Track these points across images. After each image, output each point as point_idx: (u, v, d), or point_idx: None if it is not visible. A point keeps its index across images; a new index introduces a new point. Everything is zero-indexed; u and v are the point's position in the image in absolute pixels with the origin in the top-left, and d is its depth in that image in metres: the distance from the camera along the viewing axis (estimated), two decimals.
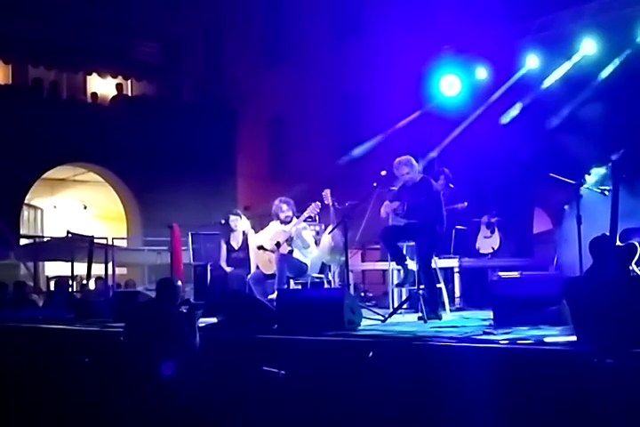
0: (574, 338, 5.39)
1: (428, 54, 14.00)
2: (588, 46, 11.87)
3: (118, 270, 17.38)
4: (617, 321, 5.05)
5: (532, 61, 12.58)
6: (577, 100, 11.98)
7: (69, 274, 16.55)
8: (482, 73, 13.22)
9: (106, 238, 16.72)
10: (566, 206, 10.00)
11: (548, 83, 12.50)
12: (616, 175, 7.28)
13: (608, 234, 7.11)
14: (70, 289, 16.21)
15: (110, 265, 15.31)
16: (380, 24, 19.08)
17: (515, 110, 12.72)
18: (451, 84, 13.48)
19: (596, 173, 10.08)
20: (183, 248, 12.96)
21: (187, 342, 7.28)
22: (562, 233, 10.79)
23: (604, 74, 11.83)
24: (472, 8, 14.74)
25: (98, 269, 15.64)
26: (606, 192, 8.54)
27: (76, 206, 25.24)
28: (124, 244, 20.11)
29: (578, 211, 8.86)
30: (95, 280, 16.37)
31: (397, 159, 9.03)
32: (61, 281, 17.02)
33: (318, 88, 21.40)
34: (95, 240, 15.77)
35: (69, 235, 17.83)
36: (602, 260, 7.19)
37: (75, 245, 16.40)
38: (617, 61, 11.75)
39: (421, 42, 15.73)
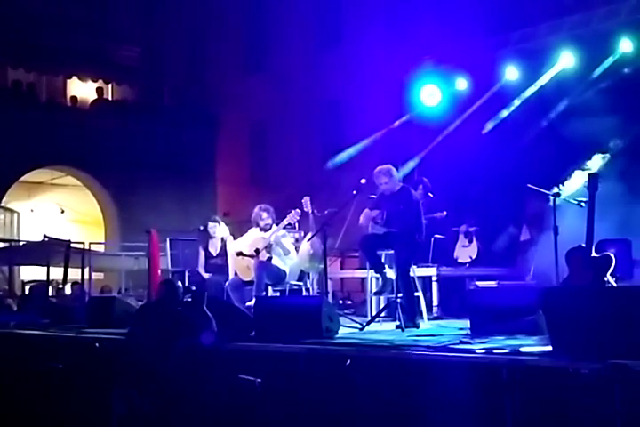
0: (550, 348, 5.43)
1: (409, 64, 14.09)
2: (567, 59, 11.99)
3: (95, 275, 17.30)
4: (592, 331, 5.10)
5: (511, 73, 12.69)
6: (555, 111, 12.10)
7: (45, 279, 16.44)
8: (462, 84, 13.31)
9: (83, 243, 16.61)
10: (540, 216, 10.10)
11: (526, 94, 12.60)
12: (592, 187, 7.35)
13: (584, 245, 7.19)
14: (46, 294, 16.10)
15: (87, 270, 15.23)
16: (362, 33, 19.14)
17: (494, 121, 12.81)
18: (431, 94, 13.57)
19: (573, 183, 10.18)
20: (161, 254, 12.91)
21: (202, 325, 7.32)
22: (538, 243, 10.89)
23: (583, 86, 11.95)
24: (452, 19, 14.84)
25: (74, 273, 15.55)
26: (582, 204, 8.59)
27: (54, 210, 25.11)
28: (101, 249, 19.99)
29: (554, 221, 8.94)
30: (71, 285, 16.26)
31: (377, 168, 9.06)
32: (37, 286, 16.91)
33: (300, 95, 21.43)
34: (72, 245, 15.67)
35: (46, 239, 17.70)
36: (578, 270, 7.25)
37: (51, 250, 16.28)
38: (595, 74, 11.88)
39: (402, 52, 15.80)
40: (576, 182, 9.62)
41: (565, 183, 9.76)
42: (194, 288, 8.07)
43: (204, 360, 7.08)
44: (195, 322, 7.36)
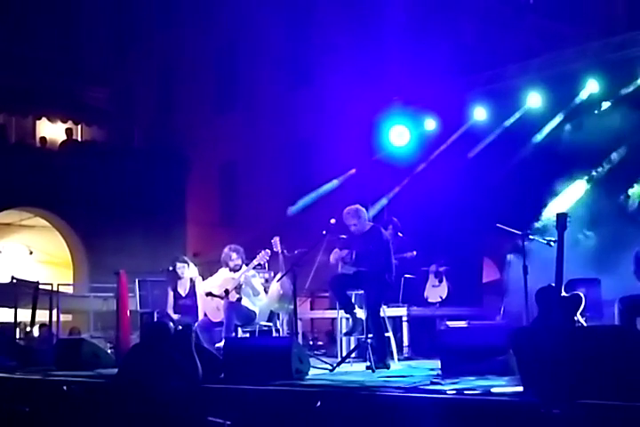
0: (521, 388, 5.41)
1: (378, 105, 14.20)
2: (534, 100, 12.12)
3: (63, 317, 17.08)
4: (563, 371, 5.09)
5: (479, 113, 12.81)
6: (522, 151, 12.22)
7: (12, 320, 16.23)
8: (430, 124, 13.41)
9: (51, 284, 16.40)
10: (510, 256, 10.14)
11: (494, 134, 12.72)
12: (560, 226, 7.38)
13: (554, 284, 7.20)
14: (13, 336, 15.89)
15: (55, 312, 15.05)
16: (331, 74, 19.28)
17: (462, 161, 12.92)
18: (400, 135, 13.65)
19: (541, 223, 10.26)
20: (130, 295, 12.80)
21: (189, 366, 7.25)
22: (508, 283, 10.92)
23: (549, 127, 12.11)
24: (421, 60, 15.01)
25: (42, 315, 15.37)
26: (552, 243, 8.63)
27: (22, 251, 24.87)
28: (69, 290, 19.76)
29: (524, 261, 8.98)
30: (39, 327, 16.08)
31: (346, 209, 9.07)
32: (4, 328, 16.68)
33: (269, 136, 21.52)
34: (40, 286, 15.50)
35: (14, 280, 17.51)
36: (547, 310, 7.26)
37: (19, 291, 16.04)
38: (561, 115, 12.03)
39: (371, 92, 15.94)
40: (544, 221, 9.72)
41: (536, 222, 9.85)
42: (180, 328, 8.02)
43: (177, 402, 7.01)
44: (182, 364, 7.28)
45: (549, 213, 10.91)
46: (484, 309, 11.95)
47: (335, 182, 15.42)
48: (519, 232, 9.65)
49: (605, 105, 11.53)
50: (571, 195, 11.64)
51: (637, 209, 11.03)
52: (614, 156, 11.40)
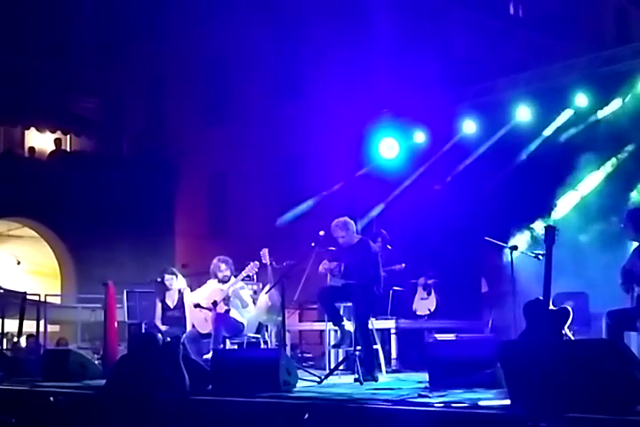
0: (508, 401, 5.42)
1: (368, 117, 14.21)
2: (523, 113, 12.17)
3: (51, 328, 17.04)
4: (550, 385, 5.10)
5: (468, 126, 12.83)
6: (511, 164, 12.26)
7: None
8: (420, 137, 13.43)
9: (39, 295, 16.38)
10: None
11: (484, 147, 12.75)
12: (549, 240, 7.41)
13: (541, 298, 7.22)
14: (0, 347, 15.83)
15: (42, 322, 15.01)
16: (321, 86, 19.34)
17: (451, 174, 12.95)
18: (389, 147, 13.66)
19: (528, 236, 10.29)
20: (118, 306, 12.77)
21: (177, 378, 7.23)
22: (496, 296, 10.94)
23: (538, 141, 12.16)
24: (411, 73, 15.06)
25: (29, 326, 15.32)
26: (540, 257, 8.65)
27: (10, 261, 24.77)
28: (57, 301, 19.73)
29: (512, 274, 9.00)
30: (26, 338, 16.01)
31: (334, 222, 9.08)
32: None
33: (258, 147, 21.55)
34: (27, 296, 15.45)
35: (1, 290, 17.46)
36: (535, 323, 7.27)
37: (6, 302, 16.01)
38: (550, 128, 12.08)
39: (361, 105, 15.98)
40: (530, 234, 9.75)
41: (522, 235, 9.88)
42: (169, 339, 8.01)
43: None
44: (170, 376, 7.27)
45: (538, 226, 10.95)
46: (472, 322, 11.96)
47: (324, 194, 15.44)
48: (507, 245, 9.69)
49: (599, 115, 11.58)
50: (562, 206, 11.68)
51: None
52: (604, 168, 11.45)
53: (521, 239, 10.97)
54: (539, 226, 10.83)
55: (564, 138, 11.85)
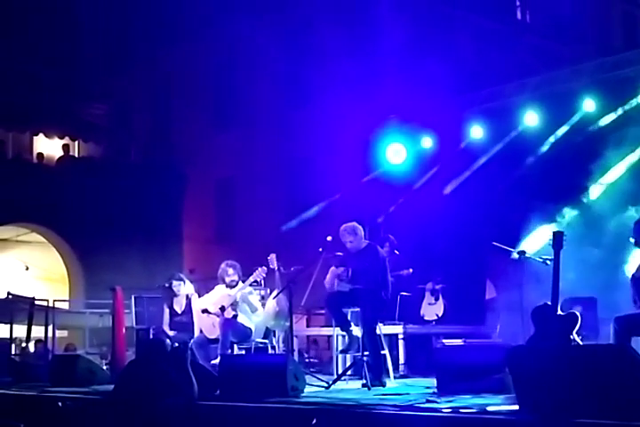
0: (517, 407, 5.41)
1: (375, 123, 14.23)
2: (531, 118, 12.16)
3: (59, 333, 17.06)
4: (559, 390, 5.09)
5: (476, 132, 12.83)
6: (519, 169, 12.25)
7: (8, 336, 16.19)
8: (427, 142, 13.44)
9: (47, 300, 16.40)
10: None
11: (491, 153, 12.75)
12: (557, 245, 7.40)
13: (550, 303, 7.21)
14: (9, 352, 15.85)
15: (51, 328, 15.04)
16: (329, 92, 19.35)
17: (459, 179, 12.94)
18: (396, 153, 13.67)
19: (536, 241, 10.26)
20: (126, 311, 12.79)
21: (185, 384, 7.24)
22: (505, 301, 10.92)
23: (546, 146, 12.15)
24: (419, 79, 15.06)
25: (38, 331, 15.34)
26: (548, 262, 8.63)
27: (18, 267, 24.82)
28: (65, 306, 19.73)
29: (520, 279, 8.98)
30: (35, 343, 16.04)
31: (342, 227, 9.08)
32: None
33: (266, 152, 21.56)
34: (36, 302, 15.48)
35: (9, 296, 17.49)
36: (543, 329, 7.25)
37: (15, 307, 16.05)
38: (558, 133, 12.07)
39: (368, 110, 15.99)
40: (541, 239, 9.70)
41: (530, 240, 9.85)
42: (177, 345, 8.03)
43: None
44: (178, 381, 7.27)
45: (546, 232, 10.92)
46: (480, 327, 11.93)
47: (332, 199, 15.45)
48: (515, 250, 9.68)
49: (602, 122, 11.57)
50: (568, 213, 11.66)
51: None
52: (608, 177, 11.42)
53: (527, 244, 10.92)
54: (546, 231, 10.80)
55: (573, 142, 11.83)
